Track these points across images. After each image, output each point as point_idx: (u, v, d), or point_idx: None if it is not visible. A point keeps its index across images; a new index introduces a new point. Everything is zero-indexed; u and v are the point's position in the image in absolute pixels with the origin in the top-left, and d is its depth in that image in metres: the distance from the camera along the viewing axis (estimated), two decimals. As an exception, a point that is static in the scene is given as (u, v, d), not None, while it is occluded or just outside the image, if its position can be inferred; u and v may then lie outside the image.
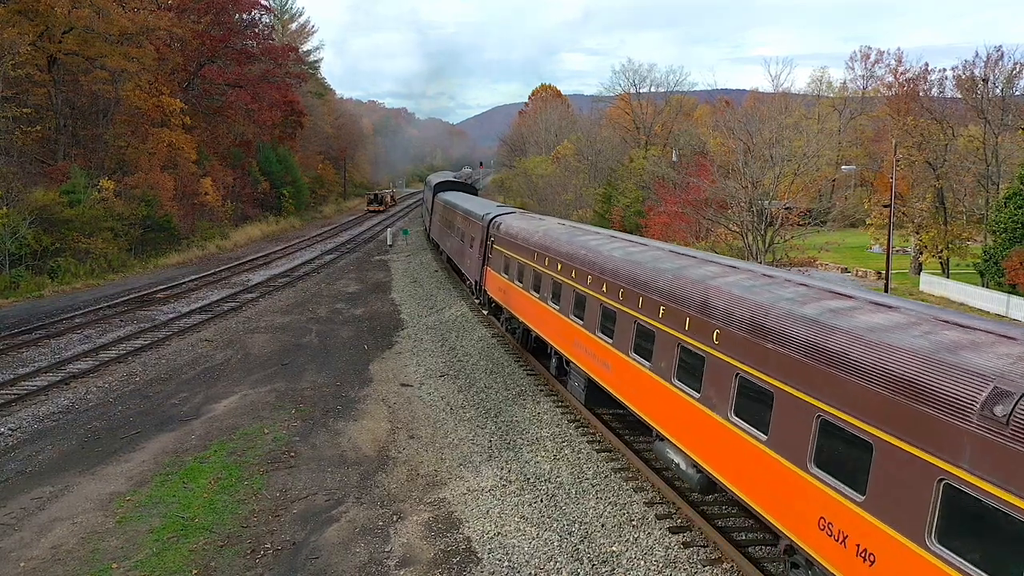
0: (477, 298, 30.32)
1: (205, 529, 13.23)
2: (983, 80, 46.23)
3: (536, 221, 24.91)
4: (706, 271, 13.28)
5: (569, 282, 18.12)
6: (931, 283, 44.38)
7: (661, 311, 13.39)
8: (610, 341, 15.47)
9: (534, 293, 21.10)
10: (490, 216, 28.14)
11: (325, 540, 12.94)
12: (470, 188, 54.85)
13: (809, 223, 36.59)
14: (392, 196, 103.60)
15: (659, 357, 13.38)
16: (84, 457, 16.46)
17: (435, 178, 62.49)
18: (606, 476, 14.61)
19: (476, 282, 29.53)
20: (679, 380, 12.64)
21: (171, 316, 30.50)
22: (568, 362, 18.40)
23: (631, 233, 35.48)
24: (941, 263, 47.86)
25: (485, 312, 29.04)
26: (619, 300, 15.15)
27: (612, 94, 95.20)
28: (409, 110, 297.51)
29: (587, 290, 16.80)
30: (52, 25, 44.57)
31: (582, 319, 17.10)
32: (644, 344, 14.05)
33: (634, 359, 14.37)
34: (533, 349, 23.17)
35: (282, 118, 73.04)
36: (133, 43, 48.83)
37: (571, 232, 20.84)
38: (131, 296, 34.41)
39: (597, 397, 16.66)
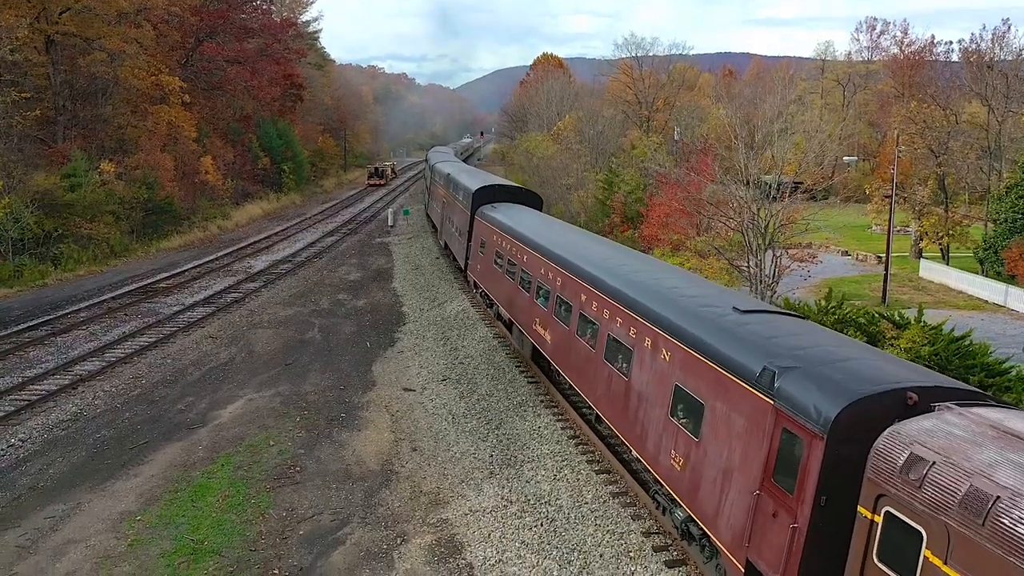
0: None
1: (215, 552, 13.64)
2: (988, 67, 45.94)
3: None
4: None
5: None
6: (931, 269, 44.45)
7: None
8: None
9: None
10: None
11: (331, 565, 13.36)
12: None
13: (816, 197, 35.33)
14: (393, 168, 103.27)
15: None
16: (94, 470, 16.84)
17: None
18: (605, 501, 14.97)
19: None
20: None
21: (175, 309, 30.74)
22: None
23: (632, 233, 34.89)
24: (941, 249, 48.00)
25: None
26: None
27: (614, 59, 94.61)
28: (409, 75, 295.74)
29: None
30: (49, 5, 44.11)
31: None
32: None
33: None
34: None
35: (281, 93, 72.47)
36: (131, 22, 48.37)
37: None
38: (134, 285, 34.63)
39: None
